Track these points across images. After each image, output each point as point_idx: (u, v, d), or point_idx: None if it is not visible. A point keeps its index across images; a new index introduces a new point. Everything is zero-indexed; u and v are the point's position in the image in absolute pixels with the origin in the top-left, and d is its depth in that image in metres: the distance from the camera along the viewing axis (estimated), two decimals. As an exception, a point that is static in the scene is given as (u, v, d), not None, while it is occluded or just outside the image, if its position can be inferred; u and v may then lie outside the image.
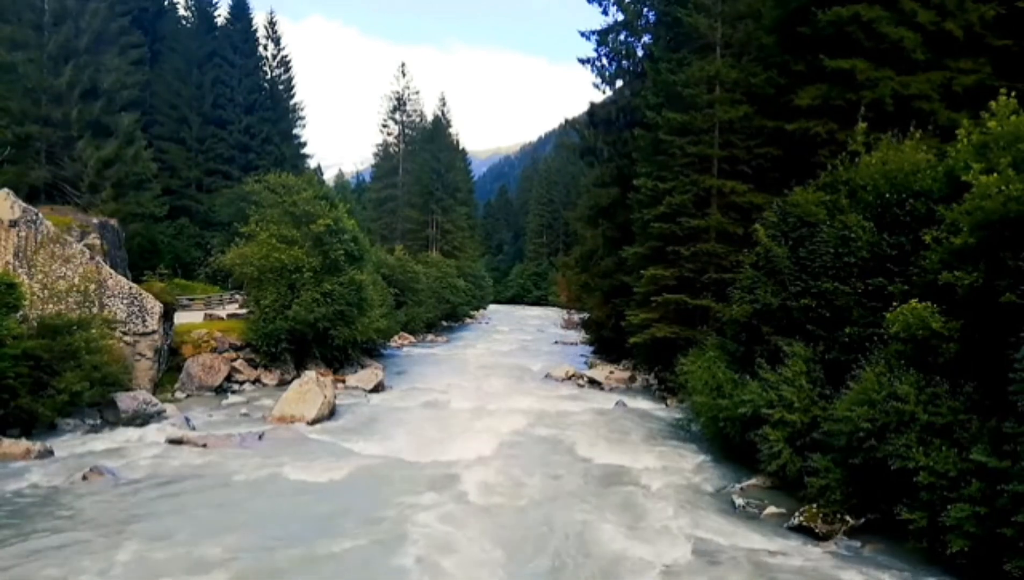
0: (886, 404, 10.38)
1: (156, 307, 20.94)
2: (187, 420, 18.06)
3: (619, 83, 31.92)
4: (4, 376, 14.62)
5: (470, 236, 76.27)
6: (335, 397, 20.28)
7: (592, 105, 33.07)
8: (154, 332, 20.88)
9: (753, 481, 13.61)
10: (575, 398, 23.96)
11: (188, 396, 21.79)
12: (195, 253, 42.45)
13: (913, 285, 11.44)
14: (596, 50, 31.17)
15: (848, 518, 11.02)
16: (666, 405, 22.30)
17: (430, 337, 46.91)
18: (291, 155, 51.67)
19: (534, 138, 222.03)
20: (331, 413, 19.46)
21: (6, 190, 19.74)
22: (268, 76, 53.00)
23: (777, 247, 14.57)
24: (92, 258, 20.39)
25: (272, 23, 53.84)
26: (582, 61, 31.49)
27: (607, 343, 31.92)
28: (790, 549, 10.51)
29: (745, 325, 15.47)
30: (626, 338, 25.00)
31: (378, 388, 24.75)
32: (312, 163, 60.53)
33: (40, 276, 19.09)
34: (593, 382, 27.14)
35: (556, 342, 45.10)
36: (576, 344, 41.48)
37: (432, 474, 14.01)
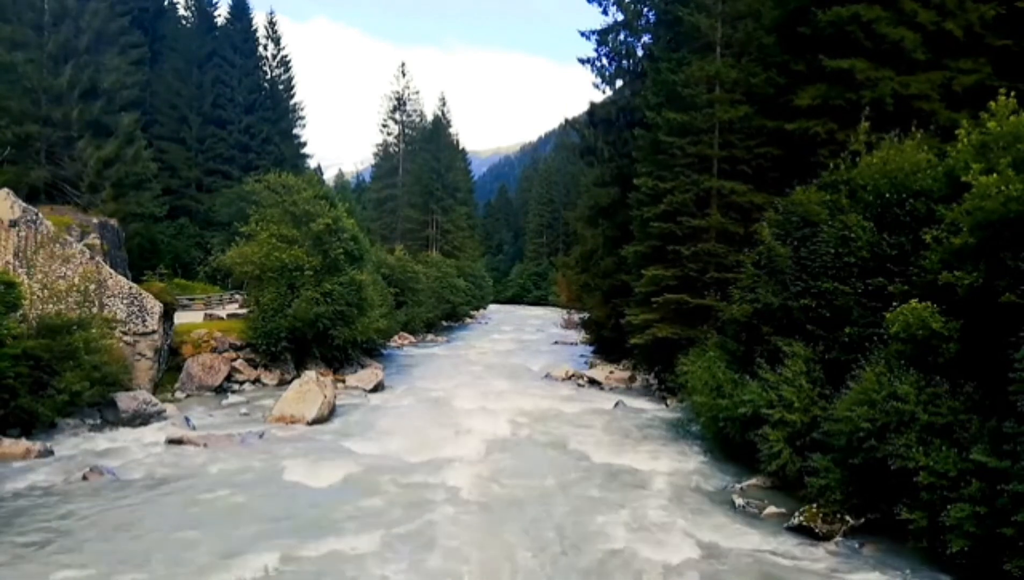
0: (886, 404, 10.38)
1: (156, 307, 20.94)
2: (187, 420, 18.07)
3: (619, 83, 31.88)
4: (4, 376, 14.60)
5: (470, 236, 76.26)
6: (335, 397, 20.28)
7: (592, 105, 33.04)
8: (154, 332, 20.88)
9: (753, 481, 13.61)
10: (575, 398, 23.96)
11: (188, 396, 21.79)
12: (195, 253, 42.45)
13: (913, 285, 11.42)
14: (596, 50, 31.15)
15: (848, 518, 11.02)
16: (666, 405, 22.29)
17: (430, 337, 46.91)
18: (291, 155, 51.65)
19: (534, 138, 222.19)
20: (331, 413, 19.46)
21: (6, 190, 19.74)
22: (268, 76, 53.01)
23: (780, 246, 14.57)
24: (92, 258, 20.39)
25: (272, 23, 53.91)
26: (582, 61, 31.45)
27: (607, 343, 31.90)
28: (790, 549, 10.51)
29: (745, 325, 15.47)
30: (626, 338, 24.97)
31: (378, 388, 24.77)
32: (312, 163, 60.70)
33: (40, 276, 19.09)
34: (593, 382, 27.14)
35: (556, 342, 45.09)
36: (576, 344, 41.48)
37: (432, 474, 14.01)
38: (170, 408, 18.93)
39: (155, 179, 36.96)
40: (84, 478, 12.84)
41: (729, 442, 15.01)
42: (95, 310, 19.60)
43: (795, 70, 19.09)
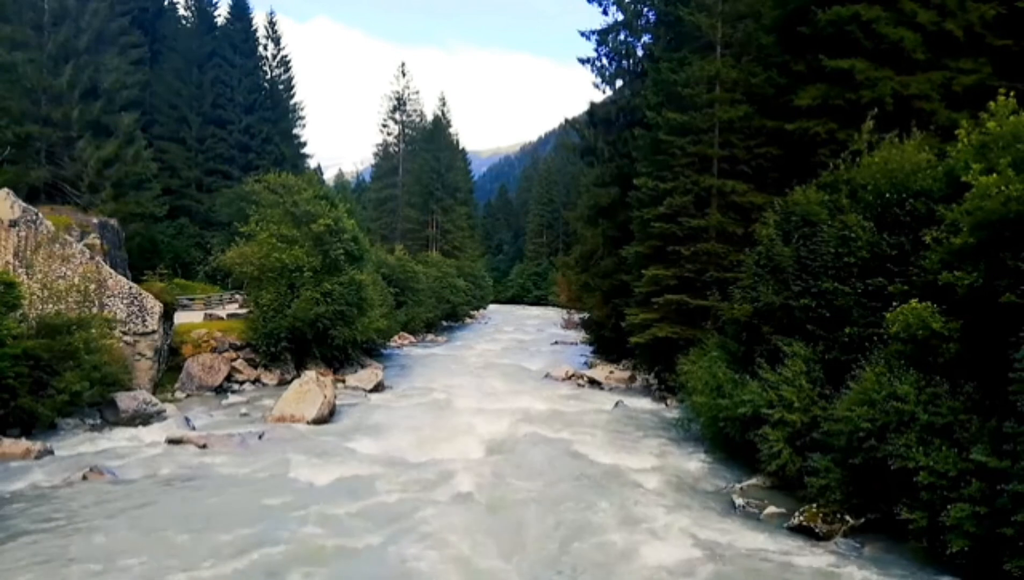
0: (886, 404, 10.38)
1: (156, 307, 20.94)
2: (187, 420, 18.06)
3: (619, 83, 31.89)
4: (4, 376, 14.61)
5: (470, 236, 76.28)
6: (335, 397, 20.28)
7: (592, 105, 33.04)
8: (154, 332, 20.88)
9: (753, 481, 13.61)
10: (575, 398, 23.96)
11: (188, 396, 21.79)
12: (195, 253, 42.44)
13: (913, 285, 11.42)
14: (596, 50, 31.16)
15: (848, 518, 11.02)
16: (666, 405, 22.29)
17: (430, 337, 46.90)
18: (291, 155, 51.65)
19: (534, 138, 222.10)
20: (331, 413, 19.46)
21: (6, 190, 19.76)
22: (268, 76, 53.00)
23: (781, 245, 14.57)
24: (92, 258, 20.40)
25: (272, 23, 53.93)
26: (582, 61, 31.48)
27: (607, 343, 31.88)
28: (790, 549, 10.51)
29: (745, 325, 15.46)
30: (626, 338, 24.96)
31: (378, 388, 24.77)
32: (312, 163, 60.70)
33: (40, 276, 19.10)
34: (593, 382, 27.13)
35: (556, 342, 45.07)
36: (576, 344, 41.45)
37: (431, 473, 14.01)
38: (170, 408, 18.94)
39: (155, 179, 36.95)
40: (84, 478, 12.84)
41: (729, 442, 15.00)
42: (95, 310, 19.61)
43: (795, 70, 19.10)
